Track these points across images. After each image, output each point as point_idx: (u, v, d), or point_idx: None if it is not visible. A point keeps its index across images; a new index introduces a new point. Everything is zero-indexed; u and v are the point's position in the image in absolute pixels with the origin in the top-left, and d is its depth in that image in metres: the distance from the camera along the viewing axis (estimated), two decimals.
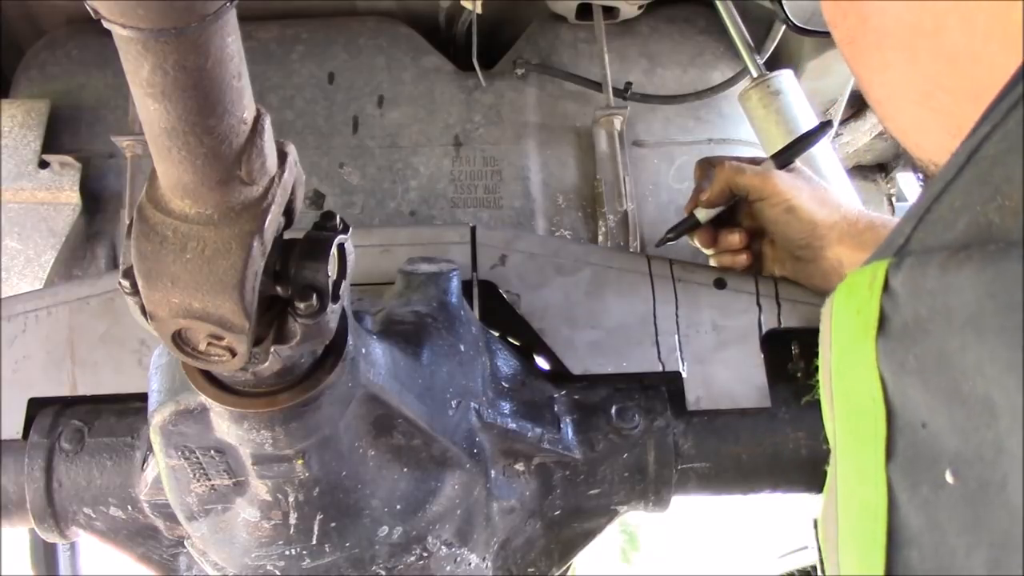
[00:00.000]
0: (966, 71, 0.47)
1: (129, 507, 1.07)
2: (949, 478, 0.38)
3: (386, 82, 1.61)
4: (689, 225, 1.22)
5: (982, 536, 0.36)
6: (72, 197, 1.46)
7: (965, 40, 0.47)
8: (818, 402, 1.13)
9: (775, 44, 1.50)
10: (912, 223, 0.43)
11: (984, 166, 0.40)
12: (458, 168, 1.56)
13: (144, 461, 1.05)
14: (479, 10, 1.46)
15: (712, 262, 1.24)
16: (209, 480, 0.87)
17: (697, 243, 1.24)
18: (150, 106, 0.52)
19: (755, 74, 1.47)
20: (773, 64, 1.51)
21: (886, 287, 0.42)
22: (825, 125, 1.25)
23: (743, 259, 1.20)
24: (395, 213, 1.53)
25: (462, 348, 1.01)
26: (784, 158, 1.19)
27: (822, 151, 1.39)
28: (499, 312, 1.16)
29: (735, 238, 1.20)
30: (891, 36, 0.52)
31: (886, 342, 0.42)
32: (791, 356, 1.18)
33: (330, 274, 0.67)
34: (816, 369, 1.18)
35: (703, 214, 1.21)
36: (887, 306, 0.42)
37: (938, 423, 0.39)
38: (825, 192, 1.15)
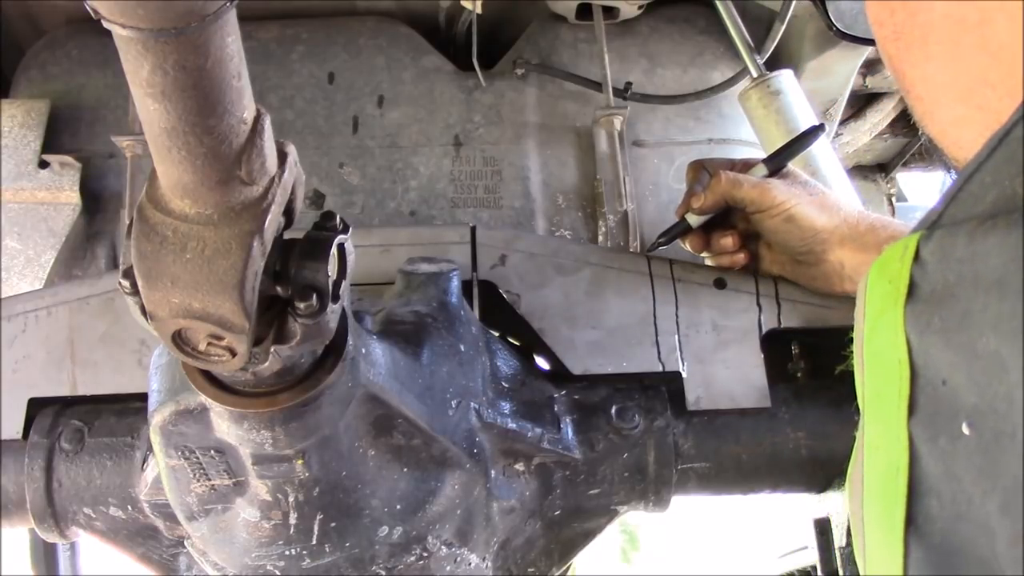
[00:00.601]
0: (1010, 66, 0.48)
1: (129, 507, 1.07)
2: (966, 430, 0.41)
3: (386, 82, 1.61)
4: (681, 230, 1.21)
5: (996, 482, 0.39)
6: (72, 197, 1.46)
7: (1010, 35, 0.48)
8: (818, 401, 1.13)
9: (775, 44, 1.50)
10: (945, 202, 0.45)
11: (1014, 146, 0.42)
12: (458, 168, 1.56)
13: (144, 461, 1.05)
14: (479, 10, 1.46)
15: (709, 263, 1.24)
16: (209, 480, 0.87)
17: (689, 247, 1.23)
18: (150, 106, 0.52)
19: (755, 74, 1.47)
20: (773, 64, 1.51)
21: (917, 258, 0.45)
22: (817, 128, 1.25)
23: (740, 258, 1.20)
24: (395, 213, 1.53)
25: (462, 348, 1.01)
26: (777, 162, 1.18)
27: (822, 151, 1.39)
28: (499, 312, 1.16)
29: (728, 241, 1.19)
30: (937, 30, 0.53)
31: (914, 306, 0.45)
32: (791, 356, 1.18)
33: (330, 274, 0.67)
34: (819, 366, 1.18)
35: (695, 219, 1.20)
36: (917, 275, 0.45)
37: (957, 379, 0.42)
38: (824, 196, 1.14)
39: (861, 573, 0.49)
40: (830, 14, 1.40)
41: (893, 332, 0.45)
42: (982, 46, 0.50)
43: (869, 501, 0.47)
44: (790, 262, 1.17)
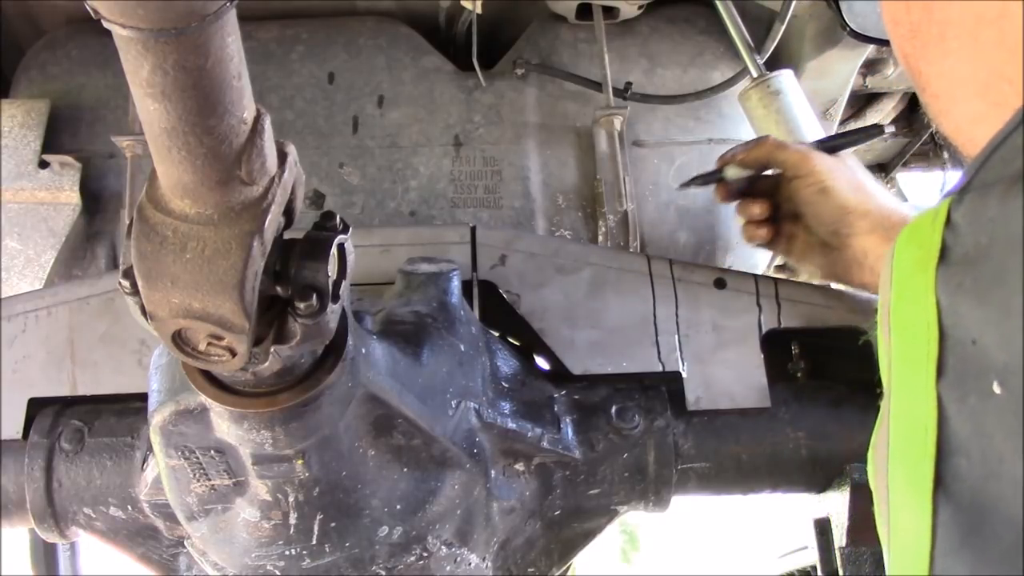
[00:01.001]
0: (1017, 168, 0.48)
1: (129, 507, 1.07)
2: (997, 389, 0.41)
3: (386, 82, 1.61)
4: (715, 177, 1.21)
5: None
6: (72, 197, 1.46)
7: None
8: (818, 401, 1.13)
9: (775, 44, 1.50)
10: (976, 167, 0.46)
11: None
12: (458, 168, 1.56)
13: (144, 461, 1.05)
14: (479, 10, 1.46)
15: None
16: (209, 480, 0.87)
17: (717, 197, 1.23)
18: (150, 106, 0.52)
19: (755, 74, 1.47)
20: (773, 64, 1.51)
21: (948, 222, 0.46)
22: (878, 127, 1.24)
23: (763, 233, 1.19)
24: (395, 213, 1.53)
25: (462, 348, 1.02)
26: (829, 144, 1.18)
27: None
28: (499, 312, 1.16)
29: (757, 208, 1.19)
30: (954, 26, 0.53)
31: (946, 269, 0.45)
32: (791, 356, 1.18)
33: (330, 274, 0.67)
34: (819, 366, 1.18)
35: (732, 172, 1.19)
36: (948, 238, 0.45)
37: (988, 339, 0.42)
38: (863, 181, 1.13)
39: (884, 541, 0.49)
40: (843, 13, 1.40)
41: (923, 295, 0.46)
42: (1000, 41, 0.50)
43: (895, 465, 0.48)
44: (819, 245, 1.16)
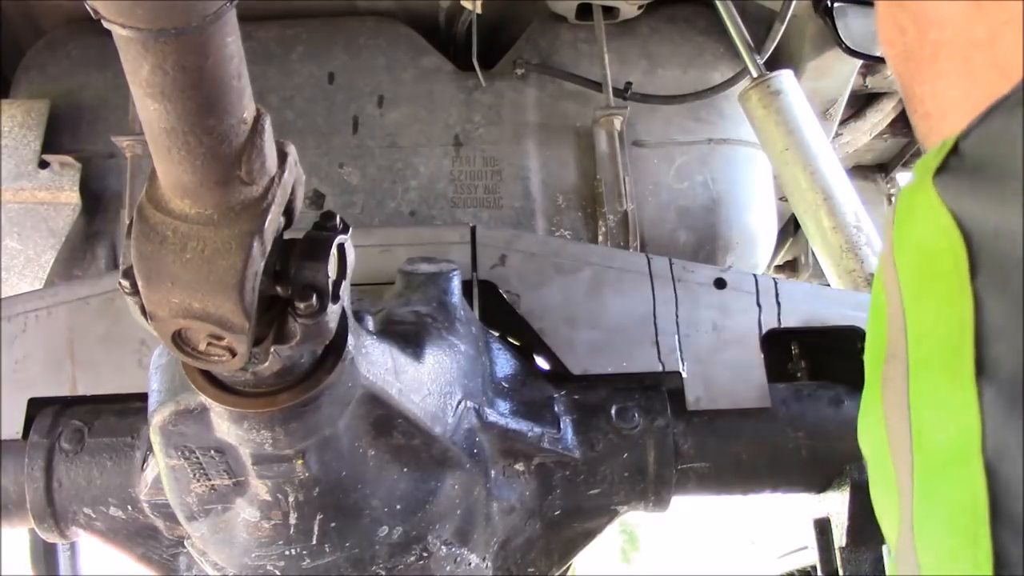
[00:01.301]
0: (1017, 82, 0.49)
1: (129, 507, 1.07)
2: None
3: (386, 82, 1.61)
4: None
5: None
6: (72, 197, 1.46)
7: (1016, 52, 0.50)
8: (818, 401, 1.12)
9: (775, 44, 1.50)
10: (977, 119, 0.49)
11: None
12: (458, 168, 1.56)
13: (144, 461, 1.05)
14: (479, 10, 1.46)
15: None
16: (209, 480, 0.87)
17: None
18: (150, 106, 0.52)
19: (755, 74, 1.47)
20: (773, 64, 1.51)
21: (955, 149, 0.48)
22: None
23: None
24: (395, 213, 1.53)
25: (462, 348, 1.01)
26: None
27: (822, 150, 1.39)
28: (499, 312, 1.16)
29: None
30: (947, 48, 0.55)
31: (949, 177, 0.47)
32: (791, 356, 1.18)
33: (330, 274, 0.67)
34: (819, 366, 1.18)
35: None
36: (952, 161, 0.48)
37: (1008, 228, 0.44)
38: None
39: (903, 456, 0.50)
40: (839, 31, 1.39)
41: (930, 208, 0.48)
42: (992, 63, 0.51)
43: (920, 371, 0.49)
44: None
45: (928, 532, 0.46)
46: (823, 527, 1.12)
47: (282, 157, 0.61)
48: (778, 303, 1.15)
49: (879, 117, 1.96)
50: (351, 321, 0.79)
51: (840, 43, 1.38)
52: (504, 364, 1.10)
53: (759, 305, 1.15)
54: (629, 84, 1.57)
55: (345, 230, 0.70)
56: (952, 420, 0.46)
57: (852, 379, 1.12)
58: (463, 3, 1.46)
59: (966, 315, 0.46)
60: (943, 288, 0.47)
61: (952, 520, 0.44)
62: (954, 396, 0.46)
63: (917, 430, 0.48)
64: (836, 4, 1.27)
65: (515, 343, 1.19)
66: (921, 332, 0.49)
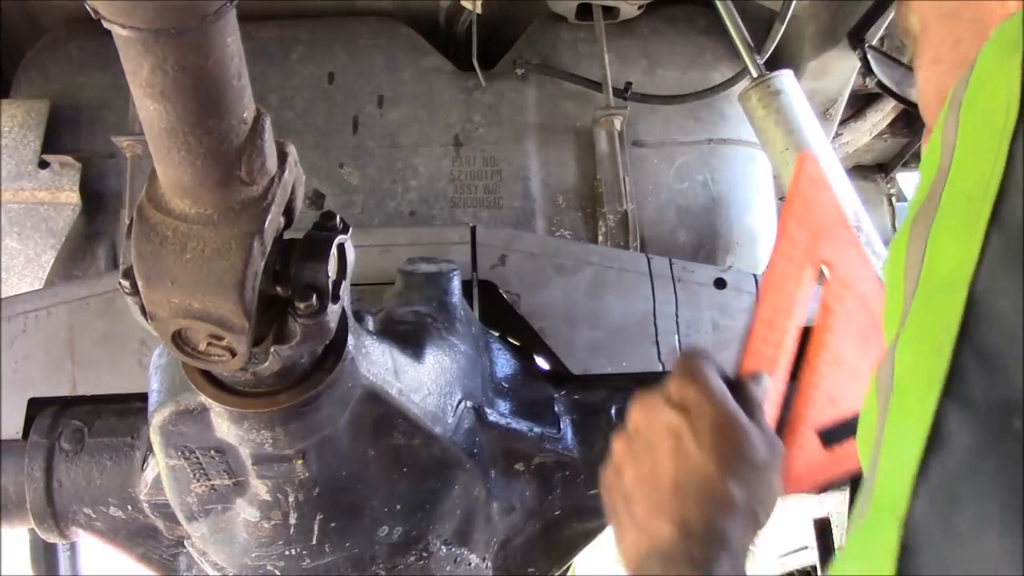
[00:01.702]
0: None
1: (129, 507, 1.07)
2: None
3: (386, 82, 1.61)
4: None
5: None
6: (72, 197, 1.46)
7: None
8: None
9: (775, 44, 1.50)
10: None
11: None
12: (458, 168, 1.56)
13: (144, 461, 1.05)
14: (479, 10, 1.46)
15: None
16: (209, 480, 0.87)
17: None
18: (150, 106, 0.52)
19: (755, 74, 1.47)
20: (773, 64, 1.51)
21: None
22: None
23: None
24: (395, 213, 1.53)
25: (462, 348, 1.01)
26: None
27: (822, 150, 1.39)
28: (499, 312, 1.16)
29: None
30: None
31: None
32: None
33: (330, 274, 0.67)
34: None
35: None
36: None
37: None
38: None
39: (896, 315, 0.52)
40: (874, 69, 1.38)
41: (1007, 79, 0.49)
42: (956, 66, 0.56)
43: (943, 225, 0.51)
44: None
45: (908, 341, 0.49)
46: (823, 527, 1.12)
47: (282, 157, 0.61)
48: None
49: (879, 117, 1.96)
50: (351, 321, 0.79)
51: (882, 85, 1.36)
52: (504, 364, 1.10)
53: None
54: (629, 84, 1.57)
55: (345, 230, 0.70)
56: (955, 255, 0.48)
57: None
58: (463, 3, 1.46)
59: (998, 168, 0.48)
60: (988, 144, 0.50)
61: (928, 331, 0.48)
62: (965, 238, 0.48)
63: (929, 260, 0.51)
64: (870, 53, 1.26)
65: (515, 343, 1.19)
66: (957, 179, 0.52)
